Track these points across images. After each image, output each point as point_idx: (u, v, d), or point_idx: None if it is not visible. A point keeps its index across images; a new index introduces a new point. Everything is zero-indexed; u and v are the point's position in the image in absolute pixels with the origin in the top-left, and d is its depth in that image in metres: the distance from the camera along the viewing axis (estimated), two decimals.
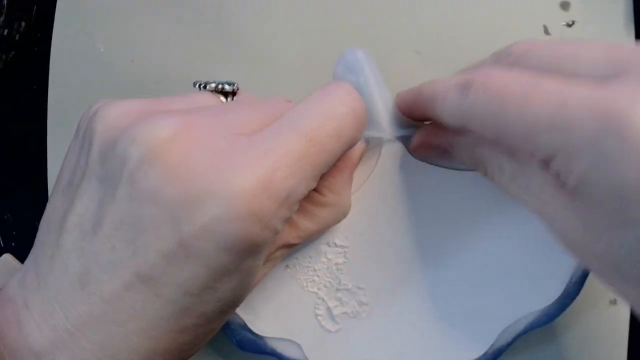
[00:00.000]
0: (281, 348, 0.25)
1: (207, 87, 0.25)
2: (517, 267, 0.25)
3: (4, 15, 0.32)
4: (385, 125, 0.25)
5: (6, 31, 0.32)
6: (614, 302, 0.29)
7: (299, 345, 0.25)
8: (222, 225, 0.18)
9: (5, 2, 0.32)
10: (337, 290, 0.25)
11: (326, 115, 0.20)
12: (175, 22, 0.31)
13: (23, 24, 0.33)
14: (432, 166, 0.24)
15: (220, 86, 0.25)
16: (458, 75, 0.21)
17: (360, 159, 0.25)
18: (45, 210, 0.21)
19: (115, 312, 0.19)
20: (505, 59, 0.22)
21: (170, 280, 0.19)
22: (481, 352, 0.25)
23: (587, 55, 0.19)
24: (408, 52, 0.30)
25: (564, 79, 0.18)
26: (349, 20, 0.31)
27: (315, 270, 0.25)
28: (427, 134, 0.25)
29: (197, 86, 0.25)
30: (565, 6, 0.30)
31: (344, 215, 0.24)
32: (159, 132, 0.19)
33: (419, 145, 0.25)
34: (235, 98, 0.25)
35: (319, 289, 0.25)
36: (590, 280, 0.29)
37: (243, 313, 0.25)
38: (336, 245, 0.25)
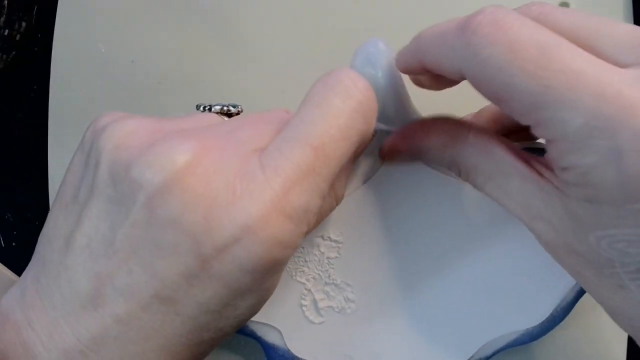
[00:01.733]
0: (261, 332, 0.25)
1: (212, 109, 0.25)
2: (508, 284, 0.24)
3: (4, 16, 0.32)
4: (397, 123, 0.24)
5: (7, 31, 0.32)
6: None
7: (279, 331, 0.25)
8: (244, 250, 0.18)
9: (6, 2, 0.32)
10: (326, 284, 0.25)
11: (328, 117, 0.19)
12: (175, 23, 0.31)
13: (24, 24, 0.33)
14: (440, 173, 0.24)
15: (225, 108, 0.25)
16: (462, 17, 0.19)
17: (362, 151, 0.24)
18: (46, 224, 0.21)
19: (132, 332, 0.19)
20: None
21: (190, 301, 0.19)
22: None
23: (612, 34, 0.17)
24: None
25: (588, 53, 0.16)
26: (350, 21, 0.31)
27: (306, 261, 0.25)
28: (396, 138, 0.24)
29: (201, 108, 0.25)
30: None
31: (337, 203, 0.24)
32: (175, 157, 0.18)
33: (387, 152, 0.24)
34: None
35: (307, 280, 0.25)
36: None
37: None
38: (331, 240, 0.25)
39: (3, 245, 0.33)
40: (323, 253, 0.25)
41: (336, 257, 0.25)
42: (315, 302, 0.25)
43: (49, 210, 0.32)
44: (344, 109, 0.20)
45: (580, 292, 0.24)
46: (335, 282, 0.25)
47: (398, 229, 0.25)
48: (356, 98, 0.20)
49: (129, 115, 0.21)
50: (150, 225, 0.18)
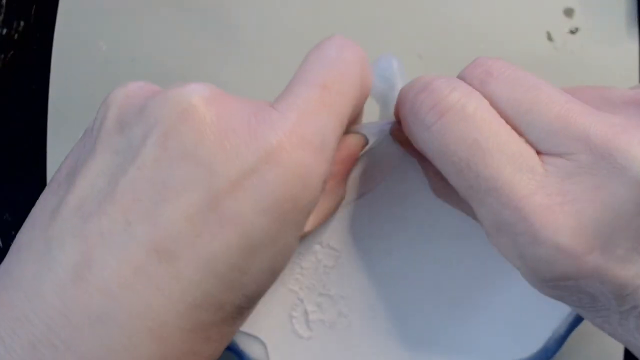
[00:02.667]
0: (244, 344, 0.24)
1: None
2: (502, 311, 0.24)
3: (2, 15, 0.32)
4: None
5: (5, 31, 0.32)
6: None
7: (264, 345, 0.24)
8: (262, 181, 0.17)
9: (4, 1, 0.32)
10: (320, 294, 0.24)
11: (327, 64, 0.19)
12: (176, 22, 0.31)
13: (22, 23, 0.33)
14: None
15: None
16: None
17: (359, 151, 0.24)
18: (31, 211, 0.18)
19: (118, 308, 0.16)
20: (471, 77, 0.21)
21: (195, 255, 0.16)
22: None
23: (542, 118, 0.18)
24: (410, 56, 0.30)
25: (512, 148, 0.18)
26: (351, 22, 0.31)
27: (302, 268, 0.24)
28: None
29: None
30: (569, 13, 0.30)
31: (339, 203, 0.23)
32: (193, 93, 0.17)
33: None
34: None
35: (300, 288, 0.24)
36: None
37: None
38: (329, 247, 0.24)
39: (2, 245, 0.32)
40: (320, 260, 0.24)
41: (333, 265, 0.24)
42: (306, 313, 0.24)
43: None
44: (340, 58, 0.20)
45: (575, 323, 0.24)
46: (329, 293, 0.24)
47: (399, 245, 0.24)
48: (350, 49, 0.20)
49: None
50: (160, 163, 0.17)
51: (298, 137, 0.17)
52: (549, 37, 0.30)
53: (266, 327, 0.24)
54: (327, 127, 0.18)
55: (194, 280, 0.16)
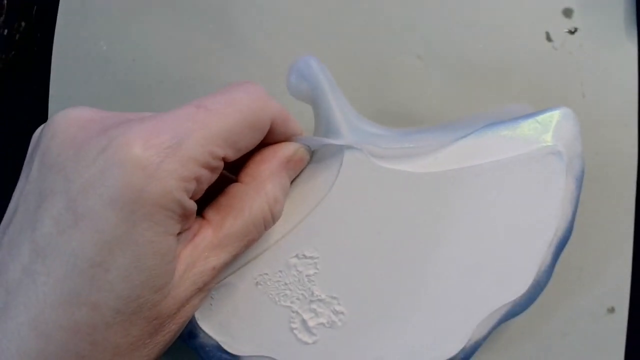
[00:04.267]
0: None
1: None
2: (487, 263, 0.25)
3: (4, 15, 0.32)
4: (344, 132, 0.25)
5: (6, 31, 0.32)
6: (611, 310, 0.29)
7: None
8: (105, 175, 0.18)
9: (5, 2, 0.32)
10: (311, 301, 0.25)
11: (218, 92, 0.21)
12: (177, 22, 0.31)
13: (23, 23, 0.33)
14: (398, 170, 0.25)
15: None
16: None
17: (296, 156, 0.24)
18: None
19: (13, 302, 0.18)
20: None
21: (60, 252, 0.18)
22: (460, 347, 0.25)
23: None
24: (410, 57, 0.30)
25: None
26: (350, 23, 0.31)
27: (286, 284, 0.25)
28: None
29: None
30: (568, 13, 0.30)
31: (272, 211, 0.23)
32: (62, 116, 0.20)
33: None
34: None
35: (292, 302, 0.25)
36: (588, 287, 0.30)
37: (217, 334, 0.25)
38: (305, 257, 0.25)
39: None
40: (301, 272, 0.25)
41: (315, 272, 0.25)
42: (304, 322, 0.25)
43: None
44: (232, 87, 0.21)
45: (558, 252, 0.26)
46: (319, 297, 0.25)
47: (370, 231, 0.25)
48: (246, 85, 0.22)
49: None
50: (40, 175, 0.19)
51: (145, 136, 0.18)
52: (548, 38, 0.30)
53: (272, 345, 0.25)
54: (188, 135, 0.19)
55: (59, 276, 0.18)
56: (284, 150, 0.23)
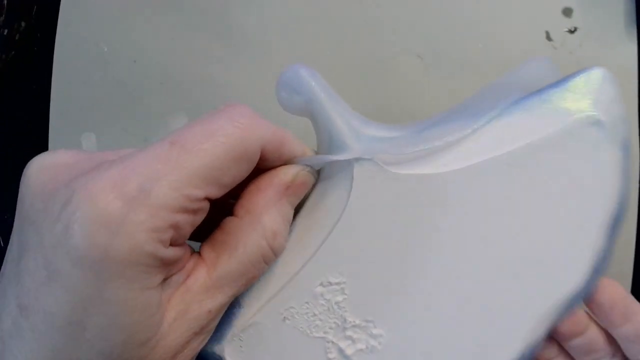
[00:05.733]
0: None
1: None
2: (534, 259, 0.22)
3: (4, 15, 0.32)
4: (350, 143, 0.22)
5: (6, 31, 0.32)
6: None
7: None
8: (68, 233, 0.17)
9: (5, 2, 0.32)
10: (345, 329, 0.23)
11: (198, 121, 0.19)
12: (177, 23, 0.31)
13: (23, 23, 0.33)
14: (417, 174, 0.22)
15: None
16: None
17: (297, 181, 0.22)
18: None
19: (7, 354, 0.18)
20: None
21: (39, 309, 0.17)
22: (516, 354, 0.23)
23: None
24: (410, 56, 0.30)
25: None
26: (350, 23, 0.31)
27: (315, 314, 0.23)
28: None
29: None
30: (567, 12, 0.30)
31: (272, 245, 0.21)
32: (32, 164, 0.19)
33: None
34: None
35: (325, 332, 0.23)
36: None
37: None
38: (331, 284, 0.23)
39: (2, 245, 0.33)
40: (329, 300, 0.23)
41: (344, 298, 0.23)
42: (341, 351, 0.23)
43: None
44: (213, 115, 0.19)
45: (613, 232, 0.23)
46: (354, 323, 0.23)
47: (396, 245, 0.23)
48: (228, 110, 0.19)
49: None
50: (19, 227, 0.18)
51: (109, 186, 0.17)
52: (548, 37, 0.30)
53: None
54: (158, 180, 0.17)
55: (41, 333, 0.17)
56: (282, 176, 0.21)
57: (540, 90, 0.22)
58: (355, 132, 0.22)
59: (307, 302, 0.23)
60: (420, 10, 0.31)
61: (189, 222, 0.18)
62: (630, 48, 0.30)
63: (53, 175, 0.18)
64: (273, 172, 0.21)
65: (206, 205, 0.19)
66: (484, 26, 0.30)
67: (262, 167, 0.21)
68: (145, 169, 0.17)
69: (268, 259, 0.21)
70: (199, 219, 0.19)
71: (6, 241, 0.33)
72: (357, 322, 0.23)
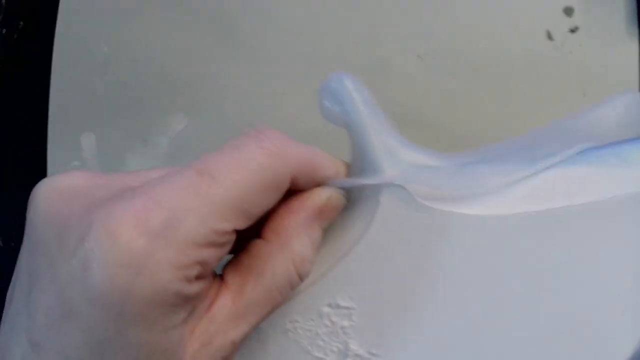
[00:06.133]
0: None
1: None
2: (576, 329, 0.20)
3: (2, 15, 0.32)
4: (383, 166, 0.20)
5: (5, 30, 0.32)
6: None
7: None
8: (86, 271, 0.15)
9: (4, 1, 0.32)
10: (347, 355, 0.22)
11: (223, 150, 0.18)
12: (177, 23, 0.31)
13: (22, 23, 0.33)
14: (453, 212, 0.20)
15: None
16: None
17: (329, 205, 0.20)
18: None
19: None
20: None
21: (52, 347, 0.16)
22: None
23: None
24: (411, 56, 0.30)
25: None
26: (350, 23, 0.31)
27: (318, 334, 0.22)
28: None
29: None
30: (568, 12, 0.30)
31: (299, 271, 0.20)
32: (41, 187, 0.18)
33: None
34: None
35: (325, 354, 0.22)
36: None
37: None
38: (339, 307, 0.22)
39: (2, 245, 0.32)
40: (335, 323, 0.22)
41: (351, 324, 0.21)
42: None
43: None
44: (242, 141, 0.18)
45: None
46: (357, 352, 0.21)
47: (417, 284, 0.21)
48: (257, 136, 0.18)
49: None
50: (28, 251, 0.17)
51: (132, 221, 0.16)
52: (549, 36, 0.30)
53: None
54: (187, 214, 0.16)
55: None
56: (315, 199, 0.20)
57: (617, 143, 0.20)
58: (391, 155, 0.21)
59: (312, 320, 0.22)
60: (420, 10, 0.31)
61: (216, 256, 0.17)
62: (631, 47, 0.30)
63: (67, 200, 0.17)
64: (305, 195, 0.20)
65: (233, 238, 0.18)
66: (484, 26, 0.30)
67: (292, 189, 0.19)
68: (172, 201, 0.16)
69: (294, 285, 0.20)
70: (226, 251, 0.18)
71: (6, 241, 0.32)
72: (361, 352, 0.22)
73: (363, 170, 0.21)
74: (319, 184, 0.20)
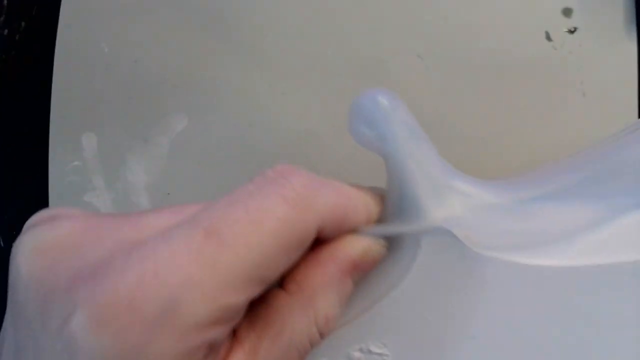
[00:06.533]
0: None
1: None
2: None
3: (4, 15, 0.32)
4: (428, 205, 0.17)
5: (6, 31, 0.32)
6: None
7: None
8: (77, 342, 0.13)
9: (6, 2, 0.32)
10: None
11: (240, 198, 0.15)
12: (178, 24, 0.31)
13: (23, 24, 0.33)
14: (509, 262, 0.17)
15: None
16: None
17: (366, 258, 0.17)
18: None
19: None
20: None
21: None
22: None
23: None
24: (410, 56, 0.30)
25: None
26: (351, 23, 0.31)
27: None
28: None
29: None
30: (567, 13, 0.30)
31: (322, 332, 0.17)
32: (19, 247, 0.15)
33: None
34: None
35: None
36: None
37: None
38: (371, 352, 0.20)
39: (2, 245, 0.33)
40: None
41: None
42: None
43: None
44: (258, 187, 0.15)
45: None
46: None
47: (453, 337, 0.19)
48: (277, 181, 0.15)
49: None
50: (12, 316, 0.15)
51: (125, 301, 0.13)
52: (548, 37, 0.30)
53: None
54: (188, 292, 0.14)
55: None
56: (348, 251, 0.17)
57: None
58: (436, 191, 0.18)
59: None
60: (420, 10, 0.31)
61: (226, 332, 0.15)
62: (630, 48, 0.30)
63: (52, 264, 0.15)
64: (336, 245, 0.17)
65: (244, 308, 0.15)
66: (484, 26, 0.30)
67: (319, 237, 0.17)
68: (172, 274, 0.14)
69: (315, 344, 0.17)
70: (237, 323, 0.15)
71: (6, 241, 0.33)
72: None
73: (402, 207, 0.18)
74: (349, 229, 0.17)
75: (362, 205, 0.17)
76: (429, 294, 0.19)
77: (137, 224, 0.15)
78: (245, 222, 0.14)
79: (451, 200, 0.18)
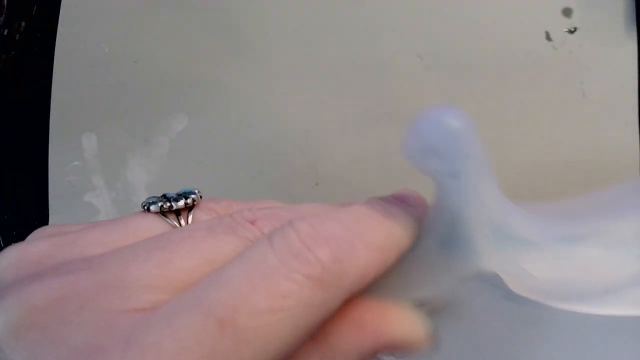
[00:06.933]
0: None
1: (151, 208, 0.17)
2: None
3: (4, 15, 0.32)
4: (481, 250, 0.15)
5: (6, 31, 0.32)
6: None
7: None
8: None
9: (6, 1, 0.32)
10: None
11: (254, 275, 0.13)
12: (178, 24, 0.31)
13: (23, 23, 0.33)
14: (547, 312, 0.16)
15: (168, 204, 0.17)
16: None
17: (409, 342, 0.15)
18: None
19: None
20: None
21: None
22: None
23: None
24: (410, 56, 0.30)
25: None
26: (351, 22, 0.31)
27: None
28: None
29: (143, 207, 0.17)
30: (567, 13, 0.30)
31: None
32: (22, 304, 0.13)
33: None
34: (192, 217, 0.17)
35: None
36: None
37: None
38: None
39: (2, 245, 0.33)
40: None
41: None
42: None
43: (48, 210, 0.32)
44: (282, 264, 0.13)
45: None
46: None
47: None
48: (302, 256, 0.13)
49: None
50: None
51: None
52: (548, 37, 0.30)
53: None
54: None
55: None
56: (394, 333, 0.15)
57: None
58: (495, 238, 0.15)
59: None
60: (420, 10, 0.31)
61: None
62: (630, 48, 0.30)
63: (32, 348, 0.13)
64: (380, 313, 0.15)
65: None
66: (484, 26, 0.30)
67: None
68: None
69: None
70: None
71: (6, 241, 0.33)
72: None
73: (451, 244, 0.16)
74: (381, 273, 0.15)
75: (396, 250, 0.15)
76: (468, 334, 0.17)
77: (125, 229, 0.14)
78: (265, 311, 0.12)
79: (506, 246, 0.16)
